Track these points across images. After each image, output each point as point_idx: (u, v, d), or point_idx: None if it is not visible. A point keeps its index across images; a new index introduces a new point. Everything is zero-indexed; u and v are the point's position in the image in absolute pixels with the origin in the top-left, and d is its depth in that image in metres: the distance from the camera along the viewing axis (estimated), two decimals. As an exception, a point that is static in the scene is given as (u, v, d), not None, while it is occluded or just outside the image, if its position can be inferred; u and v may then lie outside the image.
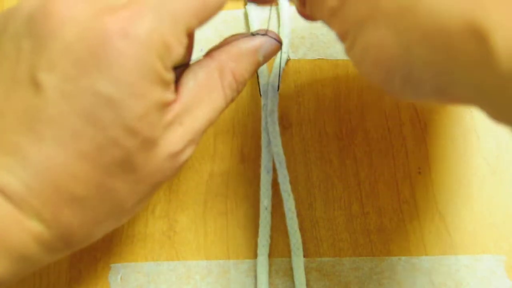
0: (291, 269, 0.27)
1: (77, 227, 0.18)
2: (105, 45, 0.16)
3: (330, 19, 0.20)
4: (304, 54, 0.31)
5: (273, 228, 0.27)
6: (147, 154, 0.18)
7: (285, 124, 0.29)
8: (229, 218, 0.28)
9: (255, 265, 0.27)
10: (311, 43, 0.31)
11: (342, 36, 0.20)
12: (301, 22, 0.27)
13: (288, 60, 0.30)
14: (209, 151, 0.29)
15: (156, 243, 0.27)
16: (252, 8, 0.31)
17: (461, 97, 0.16)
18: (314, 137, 0.29)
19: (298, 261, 0.27)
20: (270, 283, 0.27)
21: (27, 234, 0.17)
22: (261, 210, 0.27)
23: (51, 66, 0.16)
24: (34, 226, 0.17)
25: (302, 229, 0.27)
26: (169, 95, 0.18)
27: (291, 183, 0.28)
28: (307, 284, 0.27)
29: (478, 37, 0.14)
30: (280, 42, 0.22)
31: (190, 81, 0.20)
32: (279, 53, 0.30)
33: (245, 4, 0.30)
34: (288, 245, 0.27)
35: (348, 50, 0.20)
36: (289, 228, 0.27)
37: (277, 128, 0.28)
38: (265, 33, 0.22)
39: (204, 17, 0.18)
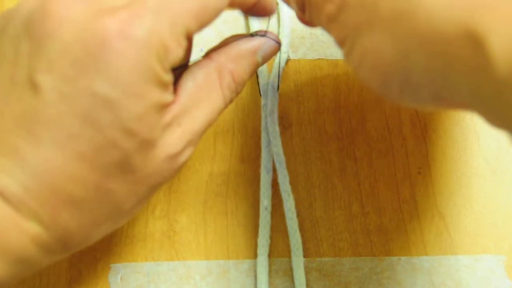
0: (291, 269, 0.27)
1: (75, 229, 0.18)
2: (103, 45, 0.16)
3: (328, 25, 0.20)
4: (304, 54, 0.31)
5: (273, 228, 0.27)
6: (146, 156, 0.18)
7: (285, 124, 0.29)
8: (229, 218, 0.28)
9: (255, 265, 0.27)
10: (311, 43, 0.31)
11: (341, 42, 0.20)
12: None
13: (288, 60, 0.30)
14: (209, 151, 0.29)
15: (156, 243, 0.27)
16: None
17: (458, 102, 0.16)
18: (314, 137, 0.29)
19: (298, 261, 0.27)
20: (270, 283, 0.27)
21: (25, 236, 0.17)
22: (261, 210, 0.27)
23: (49, 67, 0.16)
24: (32, 228, 0.17)
25: (302, 229, 0.27)
26: (167, 96, 0.18)
27: (291, 183, 0.28)
28: (307, 284, 0.27)
29: (474, 43, 0.14)
30: (279, 43, 0.22)
31: (189, 82, 0.20)
32: (279, 53, 0.30)
33: (246, 18, 0.30)
34: (288, 245, 0.27)
35: (347, 56, 0.20)
36: (289, 228, 0.27)
37: (277, 128, 0.28)
38: (264, 33, 0.22)
39: (203, 21, 0.18)
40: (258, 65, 0.22)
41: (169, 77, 0.18)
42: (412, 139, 0.29)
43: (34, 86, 0.16)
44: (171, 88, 0.18)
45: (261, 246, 0.27)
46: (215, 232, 0.28)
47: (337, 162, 0.29)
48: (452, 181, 0.28)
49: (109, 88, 0.16)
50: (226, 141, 0.29)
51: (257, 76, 0.29)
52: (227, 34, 0.22)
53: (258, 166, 0.28)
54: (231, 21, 0.31)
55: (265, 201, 0.27)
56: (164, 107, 0.18)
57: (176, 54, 0.18)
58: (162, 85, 0.18)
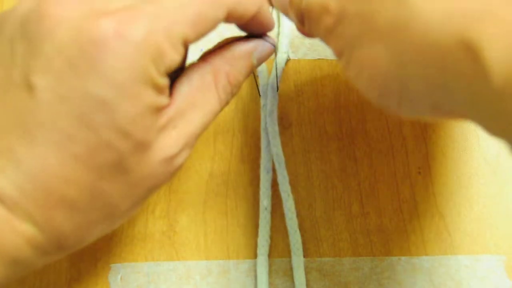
0: (291, 269, 0.27)
1: (70, 230, 0.17)
2: (99, 45, 0.16)
3: (326, 37, 0.20)
4: (304, 54, 0.31)
5: (273, 228, 0.27)
6: (141, 158, 0.18)
7: (285, 124, 0.29)
8: (229, 218, 0.28)
9: (255, 265, 0.27)
10: (311, 43, 0.31)
11: (339, 54, 0.20)
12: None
13: (288, 60, 0.30)
14: (209, 151, 0.29)
15: (156, 243, 0.27)
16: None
17: (457, 112, 0.16)
18: (314, 137, 0.29)
19: (298, 261, 0.27)
20: (270, 283, 0.27)
21: (20, 237, 0.17)
22: (261, 210, 0.27)
23: (45, 68, 0.16)
24: (27, 230, 0.17)
25: (302, 229, 0.27)
26: (162, 99, 0.18)
27: (291, 183, 0.28)
28: (307, 284, 0.27)
29: (471, 54, 0.14)
30: (274, 45, 0.22)
31: (185, 85, 0.20)
32: (279, 53, 0.30)
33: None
34: (288, 245, 0.27)
35: (345, 68, 0.20)
36: (289, 228, 0.27)
37: (277, 128, 0.28)
38: (260, 35, 0.22)
39: (200, 30, 0.18)
40: (254, 67, 0.22)
41: (164, 81, 0.18)
42: (412, 139, 0.29)
43: (29, 87, 0.16)
44: (166, 91, 0.18)
45: (261, 246, 0.27)
46: (215, 232, 0.28)
47: (337, 162, 0.29)
48: (452, 181, 0.28)
49: (104, 89, 0.16)
50: (226, 141, 0.29)
51: (254, 76, 0.29)
52: (227, 34, 0.22)
53: (258, 166, 0.28)
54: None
55: (265, 201, 0.27)
56: (159, 109, 0.18)
57: (172, 59, 0.18)
58: (157, 88, 0.18)
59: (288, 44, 0.31)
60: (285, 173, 0.28)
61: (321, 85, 0.30)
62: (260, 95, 0.29)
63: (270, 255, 0.27)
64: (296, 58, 0.30)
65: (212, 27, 0.19)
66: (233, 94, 0.21)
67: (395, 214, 0.28)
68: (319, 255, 0.27)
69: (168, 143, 0.19)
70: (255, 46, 0.22)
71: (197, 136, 0.20)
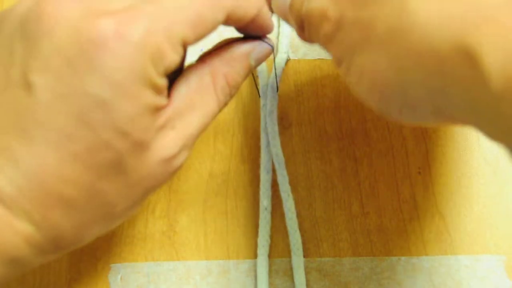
0: (291, 269, 0.27)
1: (67, 229, 0.17)
2: (98, 45, 0.16)
3: (326, 44, 0.20)
4: (304, 54, 0.31)
5: (273, 228, 0.27)
6: (139, 158, 0.18)
7: (285, 124, 0.29)
8: (229, 218, 0.28)
9: (255, 265, 0.27)
10: (311, 43, 0.31)
11: (338, 61, 0.20)
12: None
13: (288, 60, 0.30)
14: (209, 151, 0.29)
15: (156, 243, 0.27)
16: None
17: (457, 118, 0.17)
18: (314, 137, 0.29)
19: (298, 261, 0.27)
20: (270, 283, 0.27)
21: (18, 236, 0.17)
22: (261, 210, 0.27)
23: (43, 67, 0.16)
24: (25, 228, 0.17)
25: (302, 229, 0.27)
26: (161, 100, 0.18)
27: (291, 183, 0.28)
28: (307, 284, 0.27)
29: (469, 59, 0.14)
30: (272, 46, 0.22)
31: (183, 86, 0.20)
32: (279, 53, 0.30)
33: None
34: (288, 245, 0.27)
35: (345, 75, 0.20)
36: (289, 228, 0.27)
37: (276, 128, 0.28)
38: (258, 36, 0.22)
39: (200, 32, 0.18)
40: (252, 68, 0.22)
41: (163, 82, 0.18)
42: (412, 139, 0.29)
43: (28, 86, 0.16)
44: (165, 92, 0.18)
45: (261, 246, 0.27)
46: (215, 232, 0.28)
47: (337, 162, 0.29)
48: (452, 181, 0.28)
49: (103, 88, 0.16)
50: (226, 141, 0.29)
51: (253, 77, 0.29)
52: (227, 35, 0.22)
53: (258, 166, 0.28)
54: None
55: (265, 201, 0.27)
56: (157, 110, 0.18)
57: (171, 60, 0.18)
58: (156, 88, 0.18)
59: (288, 44, 0.31)
60: (285, 173, 0.28)
61: (321, 85, 0.30)
62: (259, 96, 0.29)
63: (270, 255, 0.27)
64: (296, 58, 0.30)
65: (211, 29, 0.19)
66: (231, 95, 0.21)
67: (395, 214, 0.28)
68: (319, 255, 0.27)
69: (167, 143, 0.19)
70: (253, 47, 0.22)
71: (196, 137, 0.20)
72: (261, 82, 0.29)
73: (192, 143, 0.20)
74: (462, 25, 0.15)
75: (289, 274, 0.27)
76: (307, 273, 0.27)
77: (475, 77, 0.14)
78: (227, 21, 0.20)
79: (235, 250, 0.27)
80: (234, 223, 0.28)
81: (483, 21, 0.14)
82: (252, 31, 0.22)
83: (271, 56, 0.23)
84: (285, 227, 0.27)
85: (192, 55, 0.22)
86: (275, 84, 0.28)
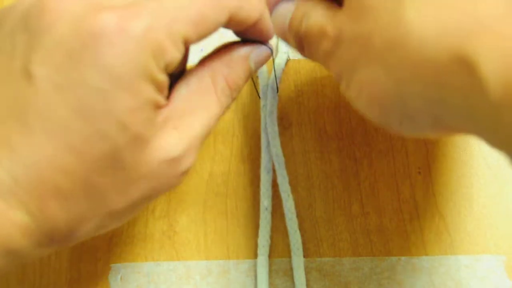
0: (291, 269, 0.27)
1: (62, 221, 0.17)
2: (99, 37, 0.16)
3: (325, 61, 0.21)
4: (304, 54, 0.31)
5: (273, 228, 0.27)
6: (138, 153, 0.18)
7: (285, 124, 0.29)
8: (229, 218, 0.28)
9: (255, 265, 0.27)
10: (311, 43, 0.31)
11: (338, 77, 0.20)
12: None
13: (288, 60, 0.30)
14: (209, 151, 0.29)
15: (156, 243, 0.27)
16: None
17: (458, 127, 0.17)
18: (314, 137, 0.29)
19: (298, 261, 0.27)
20: (270, 283, 0.27)
21: (13, 226, 0.17)
22: (261, 211, 0.27)
23: (44, 59, 0.16)
24: (20, 218, 0.17)
25: (302, 229, 0.27)
26: (161, 97, 0.18)
27: (291, 183, 0.28)
28: (307, 284, 0.27)
29: (466, 68, 0.14)
30: (271, 49, 0.22)
31: (183, 87, 0.20)
32: (279, 53, 0.30)
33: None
34: (288, 245, 0.27)
35: (345, 90, 0.20)
36: (289, 228, 0.27)
37: (276, 129, 0.28)
38: (257, 40, 0.22)
39: (201, 31, 0.18)
40: (252, 71, 0.22)
41: (163, 78, 0.18)
42: (412, 139, 0.29)
43: (28, 76, 0.17)
44: (165, 91, 0.19)
45: (261, 246, 0.27)
46: (215, 232, 0.28)
47: (337, 162, 0.29)
48: (452, 181, 0.28)
49: (102, 80, 0.16)
50: (226, 141, 0.29)
51: (252, 78, 0.29)
52: (228, 35, 0.22)
53: (258, 166, 0.28)
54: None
55: (265, 202, 0.27)
56: (157, 106, 0.18)
57: (172, 56, 0.18)
58: (156, 83, 0.18)
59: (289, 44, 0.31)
60: (285, 173, 0.28)
61: (321, 85, 0.30)
62: (259, 97, 0.29)
63: (270, 255, 0.27)
64: (296, 58, 0.30)
65: (213, 29, 0.19)
66: (232, 98, 0.21)
67: (395, 214, 0.28)
68: (319, 255, 0.27)
69: (169, 143, 0.19)
70: (252, 49, 0.22)
71: (201, 139, 0.20)
72: (261, 82, 0.29)
73: (197, 146, 0.20)
74: (458, 34, 0.15)
75: (289, 274, 0.27)
76: (307, 273, 0.27)
77: (473, 86, 0.14)
78: (229, 23, 0.20)
79: (235, 250, 0.27)
80: (234, 223, 0.28)
81: (479, 30, 0.15)
82: (252, 36, 0.22)
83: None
84: (285, 227, 0.27)
85: (192, 56, 0.22)
86: (275, 85, 0.28)
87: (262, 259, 0.27)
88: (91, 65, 0.16)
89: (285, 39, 0.24)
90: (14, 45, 0.17)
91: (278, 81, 0.29)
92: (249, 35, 0.22)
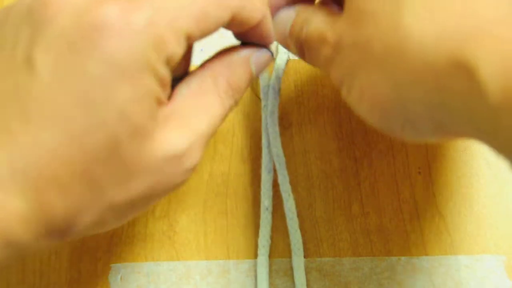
0: (291, 269, 0.27)
1: (60, 211, 0.17)
2: (101, 28, 0.16)
3: (326, 67, 0.21)
4: (304, 54, 0.31)
5: (273, 228, 0.27)
6: (138, 146, 0.18)
7: (285, 124, 0.29)
8: (229, 218, 0.28)
9: (255, 265, 0.27)
10: (311, 43, 0.31)
11: (339, 83, 0.20)
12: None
13: (288, 60, 0.30)
14: (209, 151, 0.29)
15: (156, 243, 0.27)
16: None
17: (458, 132, 0.17)
18: (314, 137, 0.29)
19: (298, 261, 0.27)
20: (270, 283, 0.27)
21: (10, 214, 0.16)
22: (262, 210, 0.27)
23: (45, 49, 0.17)
24: (18, 207, 0.16)
25: (302, 229, 0.27)
26: (163, 93, 0.18)
27: (291, 183, 0.28)
28: (307, 284, 0.27)
29: (465, 72, 0.14)
30: (272, 53, 0.22)
31: (184, 88, 0.20)
32: (279, 54, 0.30)
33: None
34: (288, 245, 0.27)
35: (346, 96, 0.20)
36: (289, 228, 0.27)
37: (277, 129, 0.28)
38: (257, 43, 0.22)
39: (203, 28, 0.18)
40: (253, 74, 0.22)
41: (165, 72, 0.18)
42: (412, 139, 0.29)
43: (29, 65, 0.17)
44: (167, 88, 0.18)
45: (262, 246, 0.27)
46: (215, 232, 0.28)
47: (337, 162, 0.29)
48: (452, 181, 0.28)
49: (103, 69, 0.16)
50: (226, 141, 0.29)
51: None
52: (228, 34, 0.22)
53: (258, 166, 0.28)
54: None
55: (266, 202, 0.27)
56: (158, 100, 0.18)
57: (174, 51, 0.18)
58: (158, 77, 0.18)
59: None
60: (285, 173, 0.28)
61: (321, 85, 0.30)
62: (259, 98, 0.29)
63: (270, 255, 0.27)
64: (296, 58, 0.30)
65: (215, 27, 0.19)
66: (235, 99, 0.21)
67: (395, 214, 0.28)
68: (319, 255, 0.27)
69: (172, 138, 0.18)
70: (252, 52, 0.22)
71: (205, 138, 0.20)
72: (262, 83, 0.29)
73: (201, 144, 0.20)
74: (457, 38, 0.15)
75: (289, 274, 0.27)
76: (307, 273, 0.27)
77: (473, 90, 0.14)
78: (232, 22, 0.20)
79: (235, 250, 0.27)
80: (234, 223, 0.28)
81: (478, 33, 0.15)
82: (253, 39, 0.22)
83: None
84: (285, 227, 0.27)
85: (193, 59, 0.22)
86: (276, 85, 0.28)
87: (262, 259, 0.27)
88: (92, 55, 0.16)
89: (286, 45, 0.24)
90: (18, 38, 0.17)
91: (279, 80, 0.29)
92: (250, 38, 0.22)
